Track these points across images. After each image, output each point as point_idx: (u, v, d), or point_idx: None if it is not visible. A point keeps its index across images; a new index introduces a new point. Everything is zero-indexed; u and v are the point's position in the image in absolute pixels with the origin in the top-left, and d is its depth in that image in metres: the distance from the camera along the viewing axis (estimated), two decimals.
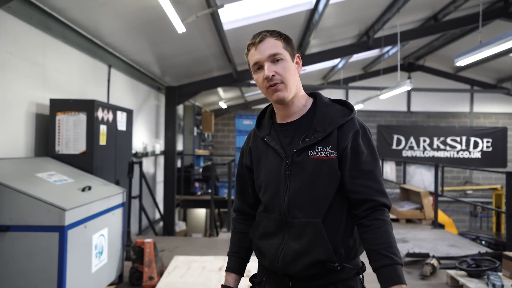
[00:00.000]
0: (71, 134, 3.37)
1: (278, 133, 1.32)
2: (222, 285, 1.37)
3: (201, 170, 9.62)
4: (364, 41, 7.02)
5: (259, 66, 1.25)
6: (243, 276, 1.40)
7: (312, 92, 1.37)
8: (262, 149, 1.35)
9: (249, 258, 1.43)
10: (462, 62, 4.49)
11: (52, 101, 3.40)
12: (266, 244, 1.30)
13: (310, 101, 1.33)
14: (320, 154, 1.23)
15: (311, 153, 1.24)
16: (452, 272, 3.68)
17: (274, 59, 1.23)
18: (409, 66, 11.91)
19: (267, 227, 1.31)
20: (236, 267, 1.39)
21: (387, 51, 9.07)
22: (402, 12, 6.06)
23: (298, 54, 1.32)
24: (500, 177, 11.98)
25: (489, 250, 4.95)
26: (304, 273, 1.23)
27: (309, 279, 1.25)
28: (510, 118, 12.73)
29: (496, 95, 12.51)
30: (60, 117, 3.37)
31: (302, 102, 1.31)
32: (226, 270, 1.40)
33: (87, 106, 3.38)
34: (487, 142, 11.53)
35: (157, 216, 7.53)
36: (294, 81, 1.27)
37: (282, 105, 1.28)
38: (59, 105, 3.38)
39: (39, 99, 3.50)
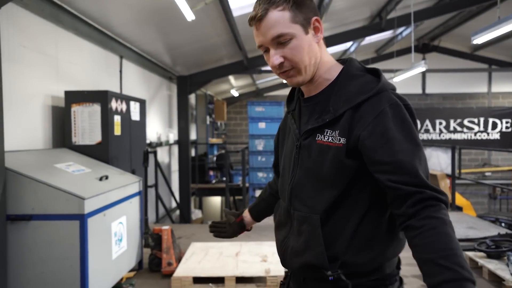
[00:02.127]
0: (87, 125, 3.43)
1: (301, 109, 1.13)
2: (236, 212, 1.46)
3: (215, 158, 9.68)
4: (377, 23, 6.86)
5: (265, 49, 1.04)
6: (257, 222, 1.44)
7: (345, 59, 1.11)
8: (287, 126, 1.19)
9: (270, 214, 1.40)
10: (479, 39, 4.35)
11: (67, 93, 3.45)
12: (277, 235, 1.20)
13: (337, 71, 1.07)
14: (328, 139, 1.01)
15: (319, 136, 1.03)
16: (470, 253, 3.64)
17: (280, 41, 0.99)
18: (424, 47, 11.62)
19: (280, 216, 1.20)
20: (254, 210, 1.43)
21: (401, 33, 8.87)
22: None
23: (316, 17, 1.03)
24: None
25: (509, 231, 4.87)
26: (302, 273, 1.09)
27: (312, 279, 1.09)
28: None
29: None
30: (75, 109, 3.42)
31: (326, 75, 1.07)
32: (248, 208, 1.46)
33: (101, 97, 3.42)
34: (506, 122, 11.23)
35: (173, 204, 7.64)
36: (311, 58, 1.02)
37: (300, 86, 1.10)
38: (74, 97, 3.43)
39: (54, 91, 3.55)
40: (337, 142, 0.99)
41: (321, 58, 1.06)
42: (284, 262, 1.15)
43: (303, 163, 1.07)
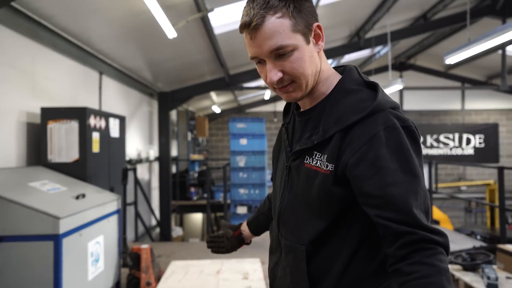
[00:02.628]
0: (64, 142, 3.35)
1: (295, 123, 1.00)
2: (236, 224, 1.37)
3: (196, 175, 9.59)
4: (355, 42, 7.06)
5: (259, 61, 0.90)
6: (256, 236, 1.33)
7: (345, 66, 0.98)
8: (281, 141, 1.07)
9: (268, 228, 1.28)
10: (451, 59, 4.54)
11: (43, 109, 3.38)
12: (269, 259, 1.10)
13: (334, 82, 0.94)
14: (316, 163, 0.88)
15: (307, 159, 0.90)
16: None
17: (279, 53, 0.85)
18: (401, 65, 12.00)
19: (272, 240, 1.10)
20: (253, 224, 1.32)
21: (378, 51, 9.14)
22: (391, 12, 6.12)
23: (318, 23, 0.89)
24: (493, 172, 12.10)
25: (484, 244, 4.99)
26: None
27: None
28: (501, 114, 12.88)
29: (487, 92, 12.65)
30: (52, 126, 3.35)
31: (322, 88, 0.94)
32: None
33: (79, 114, 3.37)
34: (479, 138, 11.63)
35: (153, 222, 7.49)
36: (312, 70, 0.89)
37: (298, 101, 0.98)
38: (51, 114, 3.36)
39: (29, 107, 3.48)
40: (325, 169, 0.86)
41: (321, 68, 0.93)
42: None
43: (292, 186, 0.96)
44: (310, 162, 0.90)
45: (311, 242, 0.90)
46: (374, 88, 0.90)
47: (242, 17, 0.87)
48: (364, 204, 0.82)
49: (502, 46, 7.20)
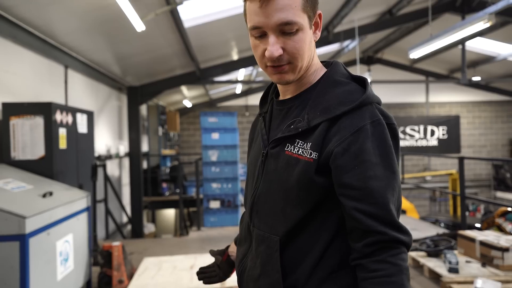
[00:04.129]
0: (28, 139, 3.23)
1: (273, 112, 1.00)
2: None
3: (168, 170, 9.48)
4: (324, 36, 7.17)
5: (261, 33, 0.85)
6: None
7: (330, 61, 0.99)
8: (257, 129, 1.05)
9: None
10: (415, 54, 4.71)
11: (5, 105, 3.24)
12: (237, 251, 1.07)
13: (320, 73, 0.95)
14: (298, 151, 0.87)
15: (288, 146, 0.89)
16: (413, 253, 3.88)
17: (285, 30, 0.83)
18: (368, 59, 12.30)
19: (242, 231, 1.06)
20: (236, 237, 1.21)
21: (347, 45, 9.32)
22: (359, 7, 6.25)
23: (320, 12, 0.90)
24: (455, 163, 12.69)
25: (446, 231, 5.25)
26: None
27: None
28: (462, 107, 13.49)
29: (449, 85, 13.21)
30: (15, 122, 3.22)
31: (310, 78, 0.94)
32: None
33: (44, 109, 3.25)
34: (443, 130, 12.15)
35: (125, 219, 7.36)
36: (308, 56, 0.89)
37: (286, 85, 0.96)
38: (13, 109, 3.23)
39: None
40: (308, 156, 0.85)
41: (314, 56, 0.94)
42: (240, 285, 1.02)
43: (267, 174, 0.93)
44: (291, 150, 0.88)
45: (285, 233, 0.88)
46: (362, 82, 0.91)
47: None
48: (342, 194, 0.83)
49: (462, 41, 7.53)
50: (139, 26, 4.02)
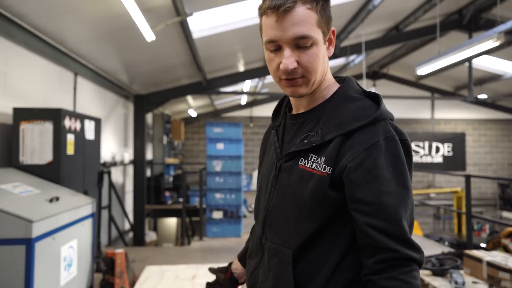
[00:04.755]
0: (37, 143, 3.26)
1: (286, 125, 1.01)
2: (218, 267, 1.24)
3: (171, 179, 9.49)
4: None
5: (276, 47, 0.88)
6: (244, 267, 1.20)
7: (343, 77, 1.00)
8: (269, 143, 1.07)
9: None
10: (422, 70, 4.73)
11: (16, 110, 3.28)
12: (248, 265, 1.06)
13: (333, 89, 0.96)
14: (311, 165, 0.88)
15: (302, 160, 0.90)
16: None
17: (300, 44, 0.86)
18: (374, 74, 12.36)
19: (253, 243, 1.06)
20: (240, 253, 1.23)
21: (353, 60, 9.39)
22: (366, 22, 6.32)
23: (333, 28, 0.93)
24: (460, 180, 12.61)
25: (452, 250, 5.19)
26: None
27: None
28: (467, 124, 13.47)
29: (455, 102, 13.22)
30: (25, 127, 3.26)
31: (323, 93, 0.96)
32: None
33: (54, 115, 3.29)
34: (448, 146, 12.11)
35: (127, 226, 7.35)
36: (322, 71, 0.91)
37: (298, 98, 0.97)
38: (23, 114, 3.27)
39: (0, 107, 3.37)
40: (322, 171, 0.86)
41: (326, 73, 0.96)
42: None
43: (280, 188, 0.94)
44: (305, 164, 0.89)
45: (298, 247, 0.89)
46: (375, 98, 0.93)
47: (268, 0, 0.86)
48: (354, 209, 0.83)
49: (469, 59, 7.56)
50: (149, 36, 4.09)
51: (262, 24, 0.90)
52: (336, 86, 0.97)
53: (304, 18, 0.84)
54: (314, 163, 0.88)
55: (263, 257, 0.98)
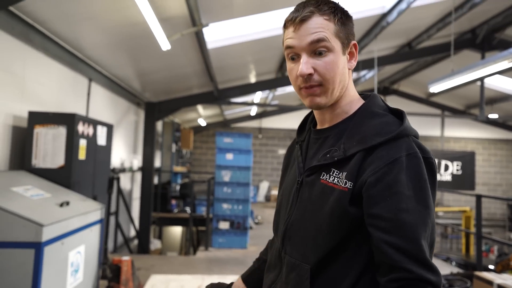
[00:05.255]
0: (50, 147, 3.29)
1: (310, 141, 1.01)
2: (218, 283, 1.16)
3: (178, 187, 9.49)
4: None
5: (294, 54, 0.91)
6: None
7: (368, 93, 1.01)
8: (292, 157, 1.08)
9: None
10: (435, 88, 4.72)
11: (31, 113, 3.32)
12: (266, 277, 1.04)
13: (357, 105, 0.96)
14: (333, 180, 0.88)
15: (324, 175, 0.90)
16: None
17: (317, 49, 0.88)
18: (385, 90, 12.34)
19: (271, 256, 1.05)
20: (252, 279, 1.16)
21: (364, 75, 9.39)
22: (379, 39, 6.34)
23: (355, 42, 0.94)
24: (468, 200, 12.44)
25: (461, 271, 5.09)
26: None
27: None
28: (478, 143, 13.34)
29: (465, 121, 13.12)
30: (39, 130, 3.29)
31: (345, 107, 0.96)
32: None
33: (68, 120, 3.32)
34: (457, 165, 11.97)
35: (132, 233, 7.34)
36: (341, 81, 0.92)
37: (318, 109, 0.98)
38: (38, 118, 3.31)
39: (16, 111, 3.41)
40: (343, 186, 0.85)
41: (348, 87, 0.96)
42: None
43: (301, 202, 0.94)
44: (326, 179, 0.89)
45: (316, 262, 0.87)
46: (399, 115, 0.92)
47: (290, 14, 0.92)
48: (371, 225, 0.82)
49: (481, 78, 7.51)
50: (165, 45, 4.14)
51: (284, 36, 0.94)
52: (360, 102, 0.97)
53: (320, 26, 0.88)
54: (336, 178, 0.87)
55: (281, 271, 0.97)
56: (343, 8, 0.93)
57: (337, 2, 0.93)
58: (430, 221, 0.81)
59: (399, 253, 0.77)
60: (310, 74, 0.88)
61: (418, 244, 0.78)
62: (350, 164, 0.86)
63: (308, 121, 1.09)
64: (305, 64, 0.88)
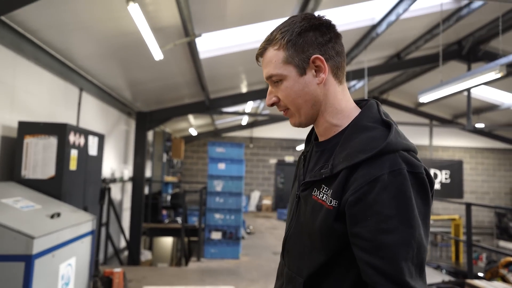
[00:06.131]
0: (40, 158, 3.25)
1: (312, 153, 1.02)
2: None
3: (169, 197, 9.41)
4: None
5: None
6: None
7: (364, 102, 0.99)
8: (298, 168, 1.08)
9: None
10: (424, 98, 4.80)
11: (21, 123, 3.28)
12: (275, 285, 1.07)
13: (351, 116, 0.94)
14: (322, 197, 0.88)
15: (315, 191, 0.90)
16: None
17: (273, 81, 0.94)
18: (374, 99, 12.48)
19: (279, 266, 1.07)
20: None
21: (354, 85, 9.51)
22: (369, 49, 6.44)
23: (317, 55, 0.90)
24: (457, 208, 12.58)
25: (452, 279, 5.13)
26: None
27: None
28: (465, 152, 13.55)
29: (453, 130, 13.34)
30: (29, 141, 3.25)
31: (334, 120, 0.95)
32: None
33: (59, 130, 3.29)
34: (446, 174, 12.13)
35: (122, 244, 7.22)
36: (307, 101, 0.92)
37: (300, 127, 1.00)
38: (28, 128, 3.27)
39: (6, 120, 3.37)
40: (328, 204, 0.85)
41: (326, 100, 0.94)
42: None
43: (299, 216, 0.96)
44: (317, 195, 0.89)
45: (308, 276, 0.88)
46: (387, 125, 0.88)
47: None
48: (353, 244, 0.81)
49: (469, 89, 7.68)
50: (157, 55, 4.14)
51: None
52: (356, 112, 0.95)
53: (269, 59, 0.93)
54: (325, 195, 0.87)
55: (284, 282, 1.00)
56: (296, 27, 0.91)
57: (293, 21, 0.92)
58: (414, 240, 0.77)
59: (378, 274, 0.76)
60: (274, 103, 0.96)
61: (397, 266, 0.75)
62: (336, 181, 0.85)
63: (314, 132, 1.07)
64: (268, 96, 0.96)
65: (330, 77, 0.93)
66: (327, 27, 0.92)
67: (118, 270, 3.37)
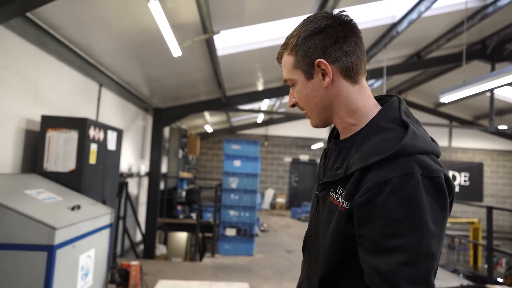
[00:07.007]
0: (61, 151, 3.32)
1: (331, 151, 1.01)
2: None
3: (184, 193, 9.50)
4: None
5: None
6: None
7: (386, 99, 0.97)
8: (320, 165, 1.08)
9: None
10: (446, 98, 4.70)
11: (44, 117, 3.36)
12: (299, 279, 1.08)
13: (370, 115, 0.91)
14: (337, 198, 0.87)
15: (332, 192, 0.90)
16: None
17: (288, 84, 0.99)
18: (397, 96, 12.29)
19: (302, 263, 1.08)
20: None
21: (372, 84, 9.39)
22: (388, 48, 6.34)
23: (320, 59, 0.90)
24: (476, 211, 12.30)
25: (470, 283, 5.02)
26: None
27: None
28: (486, 154, 13.23)
29: (473, 132, 13.04)
30: (51, 134, 3.33)
31: (350, 120, 0.93)
32: None
33: (80, 124, 3.36)
34: (465, 176, 11.87)
35: (138, 238, 7.33)
36: (316, 104, 0.94)
37: (319, 128, 1.02)
38: (51, 122, 3.34)
39: (29, 114, 3.45)
40: (341, 205, 0.84)
41: (338, 102, 0.93)
42: None
43: (318, 216, 0.96)
44: (333, 196, 0.89)
45: (323, 276, 0.89)
46: (405, 126, 0.85)
47: None
48: (359, 245, 0.81)
49: (492, 89, 7.48)
50: (176, 51, 4.17)
51: None
52: (376, 110, 0.92)
53: (284, 64, 0.97)
54: (340, 196, 0.86)
55: (303, 279, 1.02)
56: (302, 31, 0.92)
57: (303, 23, 0.93)
58: (421, 246, 0.75)
59: (375, 273, 0.76)
60: (294, 104, 0.99)
61: (395, 268, 0.74)
62: (349, 183, 0.84)
63: (335, 129, 1.07)
64: (289, 97, 1.00)
65: (340, 79, 0.91)
66: (334, 27, 0.90)
67: (135, 263, 3.43)
